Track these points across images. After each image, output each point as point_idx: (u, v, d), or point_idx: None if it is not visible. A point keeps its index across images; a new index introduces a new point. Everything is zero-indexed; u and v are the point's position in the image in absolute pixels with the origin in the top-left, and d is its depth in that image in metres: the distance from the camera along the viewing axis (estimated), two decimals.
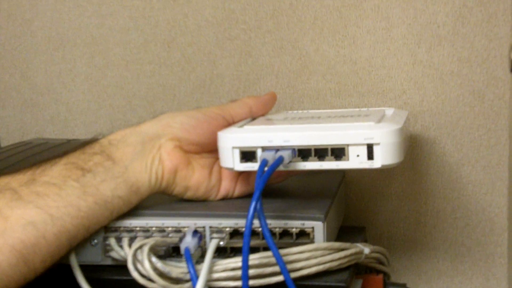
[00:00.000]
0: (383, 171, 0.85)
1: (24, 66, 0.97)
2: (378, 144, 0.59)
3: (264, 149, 0.61)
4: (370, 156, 0.60)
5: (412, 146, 0.84)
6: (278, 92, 0.87)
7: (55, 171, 0.58)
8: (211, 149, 0.66)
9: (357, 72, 0.85)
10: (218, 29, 0.89)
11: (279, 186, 0.70)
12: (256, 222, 0.56)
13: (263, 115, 0.72)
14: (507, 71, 0.80)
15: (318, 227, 0.60)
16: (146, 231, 0.62)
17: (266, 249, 0.59)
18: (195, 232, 0.60)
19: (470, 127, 0.83)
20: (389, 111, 0.73)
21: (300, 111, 0.79)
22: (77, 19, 0.94)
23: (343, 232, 0.71)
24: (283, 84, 0.88)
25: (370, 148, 0.60)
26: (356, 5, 0.84)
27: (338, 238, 0.68)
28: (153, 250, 0.59)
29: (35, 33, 0.96)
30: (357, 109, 0.77)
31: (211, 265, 0.58)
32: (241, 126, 0.66)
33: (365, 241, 0.73)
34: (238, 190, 0.68)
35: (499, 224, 0.84)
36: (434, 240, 0.87)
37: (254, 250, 0.60)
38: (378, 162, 0.60)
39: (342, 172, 0.78)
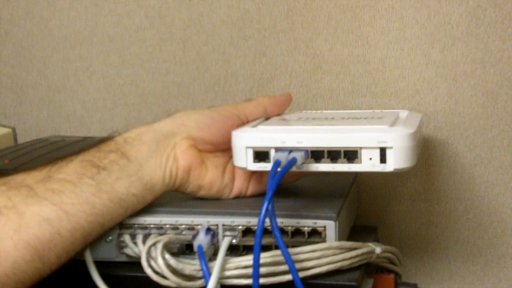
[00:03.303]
0: (396, 173, 0.85)
1: (41, 64, 0.98)
2: (391, 148, 0.59)
3: (277, 149, 0.62)
4: (383, 159, 0.60)
5: (425, 146, 0.84)
6: (292, 92, 0.87)
7: (71, 168, 0.59)
8: (225, 148, 0.67)
9: (371, 72, 0.86)
10: (232, 28, 0.90)
11: (292, 185, 0.70)
12: (268, 221, 0.57)
13: (277, 115, 0.72)
14: None
15: (330, 226, 0.61)
16: (160, 228, 0.63)
17: (278, 247, 0.59)
18: (208, 229, 0.61)
19: (483, 128, 0.83)
20: (403, 114, 0.73)
21: (314, 111, 0.79)
22: (94, 18, 0.95)
23: (355, 231, 0.72)
24: (296, 83, 0.89)
25: (383, 151, 0.60)
26: (370, 5, 0.85)
27: (350, 238, 0.68)
28: (167, 247, 0.59)
29: (52, 31, 0.97)
30: (371, 111, 0.77)
31: (224, 263, 0.59)
32: (255, 126, 0.66)
33: (377, 240, 0.73)
34: (251, 189, 0.69)
35: (511, 225, 0.84)
36: (446, 240, 0.87)
37: (267, 248, 0.60)
38: (390, 165, 0.60)
39: (355, 173, 0.78)
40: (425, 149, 0.85)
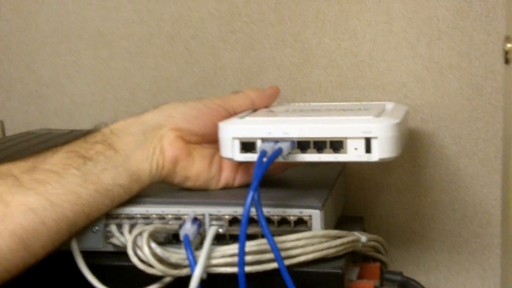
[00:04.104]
0: (382, 163, 0.86)
1: (29, 58, 0.98)
2: (376, 138, 0.60)
3: (263, 140, 0.62)
4: (368, 149, 0.61)
5: (411, 138, 0.85)
6: (280, 85, 0.87)
7: (56, 159, 0.59)
8: (212, 140, 0.67)
9: (358, 65, 0.86)
10: (221, 22, 0.90)
11: (280, 176, 0.71)
12: (254, 210, 0.57)
13: (265, 108, 0.73)
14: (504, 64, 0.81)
15: (315, 215, 0.61)
16: (147, 218, 0.63)
17: (264, 236, 0.60)
18: (195, 219, 0.61)
19: (468, 120, 0.84)
20: (389, 106, 0.73)
21: (302, 104, 0.79)
22: (82, 12, 0.95)
23: (342, 222, 0.72)
24: (285, 76, 0.89)
25: (368, 141, 0.60)
26: None
27: (336, 228, 0.68)
28: (153, 237, 0.60)
29: (40, 25, 0.97)
30: (358, 103, 0.78)
31: (210, 252, 0.59)
32: (242, 118, 0.66)
33: (363, 230, 0.74)
34: (238, 180, 0.69)
35: (496, 215, 0.85)
36: (432, 231, 0.88)
37: (254, 237, 0.61)
38: (375, 155, 0.61)
39: (342, 164, 0.79)
40: (412, 141, 0.85)
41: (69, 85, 0.97)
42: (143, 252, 0.59)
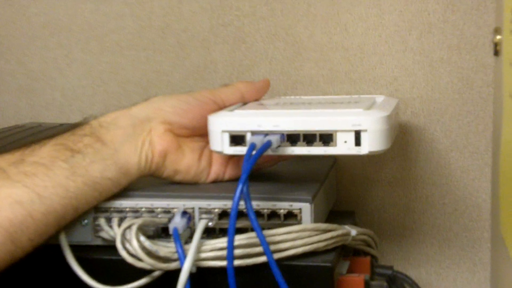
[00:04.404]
0: (373, 157, 0.86)
1: (20, 52, 0.97)
2: (365, 130, 0.60)
3: (253, 133, 0.62)
4: (358, 142, 0.60)
5: (402, 132, 0.85)
6: (272, 79, 0.87)
7: (44, 151, 0.59)
8: (201, 133, 0.67)
9: (349, 58, 0.86)
10: (212, 15, 0.90)
11: (270, 170, 0.71)
12: (243, 204, 0.57)
13: (255, 101, 0.73)
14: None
15: (305, 209, 0.61)
16: (136, 211, 0.63)
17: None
18: (184, 213, 0.61)
19: (459, 113, 0.84)
20: (380, 99, 0.73)
21: (293, 97, 0.79)
22: (73, 5, 0.94)
23: (333, 216, 0.72)
24: (276, 70, 0.89)
25: (357, 134, 0.60)
26: None
27: (327, 222, 0.68)
28: (142, 230, 0.60)
29: (31, 19, 0.96)
30: (348, 96, 0.78)
31: (199, 245, 0.59)
32: (232, 110, 0.66)
33: (354, 224, 0.74)
34: (228, 173, 0.69)
35: (486, 209, 0.85)
36: (423, 225, 0.88)
37: (244, 230, 0.61)
38: (365, 148, 0.60)
39: (334, 158, 0.79)
40: (402, 135, 0.85)
41: (60, 78, 0.97)
42: (132, 245, 0.58)
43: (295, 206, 0.61)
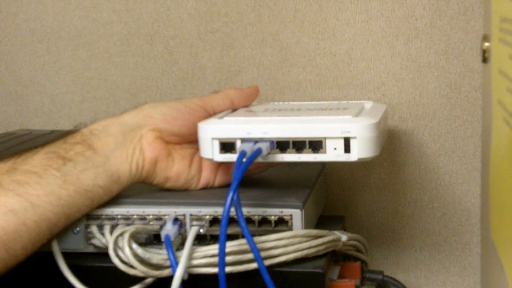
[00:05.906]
0: (362, 163, 0.86)
1: (9, 58, 0.97)
2: (354, 137, 0.61)
3: (243, 140, 0.62)
4: (347, 149, 0.61)
5: (390, 137, 0.85)
6: (260, 84, 0.88)
7: (36, 160, 0.59)
8: (191, 140, 0.67)
9: (337, 64, 0.87)
10: (200, 21, 0.90)
11: (260, 176, 0.71)
12: (234, 210, 0.57)
13: (244, 107, 0.73)
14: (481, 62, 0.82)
15: (296, 215, 0.62)
16: (128, 219, 0.63)
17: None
18: (176, 219, 0.61)
19: (447, 118, 0.84)
20: (368, 105, 0.74)
21: (282, 103, 0.79)
22: (61, 12, 0.94)
23: (323, 221, 0.72)
24: (264, 76, 0.89)
25: (347, 141, 0.61)
26: None
27: (317, 227, 0.68)
28: (134, 237, 0.60)
29: (20, 25, 0.96)
30: (337, 102, 0.78)
31: (191, 252, 0.59)
32: (221, 118, 0.67)
33: (343, 229, 0.74)
34: (219, 180, 0.69)
35: (475, 213, 0.86)
36: (412, 229, 0.88)
37: (235, 237, 0.61)
38: (354, 155, 0.61)
39: (322, 163, 0.79)
40: (391, 140, 0.86)
41: (49, 85, 0.96)
42: (124, 253, 0.59)
43: (286, 212, 0.62)
